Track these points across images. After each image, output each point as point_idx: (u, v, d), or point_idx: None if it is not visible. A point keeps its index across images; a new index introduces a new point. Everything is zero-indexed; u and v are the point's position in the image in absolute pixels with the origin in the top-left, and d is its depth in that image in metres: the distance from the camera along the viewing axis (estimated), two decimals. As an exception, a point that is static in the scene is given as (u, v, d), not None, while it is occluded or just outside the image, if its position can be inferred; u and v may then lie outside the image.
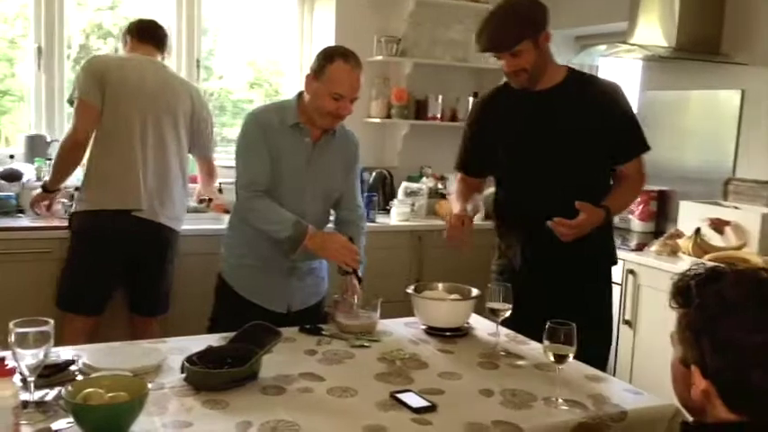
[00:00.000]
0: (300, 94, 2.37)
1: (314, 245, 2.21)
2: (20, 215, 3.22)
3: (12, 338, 1.42)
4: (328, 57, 2.29)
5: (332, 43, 3.73)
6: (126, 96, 2.84)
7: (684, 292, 1.14)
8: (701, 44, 3.48)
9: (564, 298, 2.25)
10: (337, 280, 2.29)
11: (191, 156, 3.14)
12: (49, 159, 3.44)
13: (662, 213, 3.83)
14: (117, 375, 1.50)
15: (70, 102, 2.94)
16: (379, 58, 4.03)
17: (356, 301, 2.19)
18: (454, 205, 2.45)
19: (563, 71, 2.36)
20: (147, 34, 3.02)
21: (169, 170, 2.91)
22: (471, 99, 4.30)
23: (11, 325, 1.43)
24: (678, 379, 1.16)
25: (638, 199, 3.80)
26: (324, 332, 2.11)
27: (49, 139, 3.58)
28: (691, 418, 1.22)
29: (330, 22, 4.12)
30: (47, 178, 3.09)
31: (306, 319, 2.32)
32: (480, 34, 2.26)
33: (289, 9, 4.30)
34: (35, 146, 3.52)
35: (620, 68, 4.44)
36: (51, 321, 1.46)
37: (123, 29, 3.15)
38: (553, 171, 2.30)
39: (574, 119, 2.28)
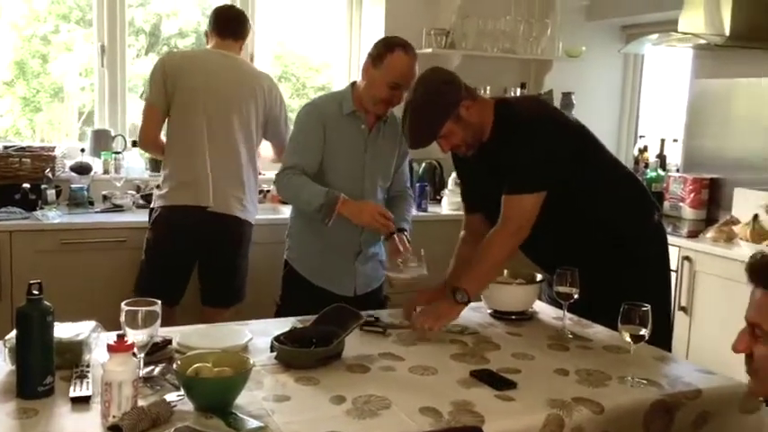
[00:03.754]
0: (353, 84, 2.48)
1: (347, 210, 2.30)
2: (91, 206, 3.35)
3: (123, 317, 1.52)
4: (389, 46, 2.37)
5: (381, 36, 3.80)
6: (194, 96, 2.91)
7: None
8: (755, 32, 3.46)
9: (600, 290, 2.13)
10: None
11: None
12: (116, 153, 3.57)
13: (713, 201, 3.83)
14: (221, 352, 1.59)
15: (141, 97, 3.05)
16: (429, 50, 4.08)
17: (406, 256, 2.26)
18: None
19: (491, 112, 2.19)
20: (224, 27, 3.03)
21: (240, 166, 2.96)
22: (519, 90, 4.35)
23: (122, 305, 1.53)
24: None
25: (690, 187, 3.82)
26: (386, 331, 2.05)
27: (113, 134, 3.71)
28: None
29: (380, 15, 4.18)
30: None
31: (370, 302, 2.46)
32: (403, 133, 2.19)
33: (338, 2, 4.37)
34: (101, 140, 3.65)
35: (667, 57, 4.45)
36: (159, 302, 1.56)
37: (207, 20, 3.15)
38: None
39: (506, 161, 2.15)
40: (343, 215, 2.31)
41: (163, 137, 3.02)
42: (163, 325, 2.82)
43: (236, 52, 3.06)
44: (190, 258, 2.98)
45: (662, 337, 2.07)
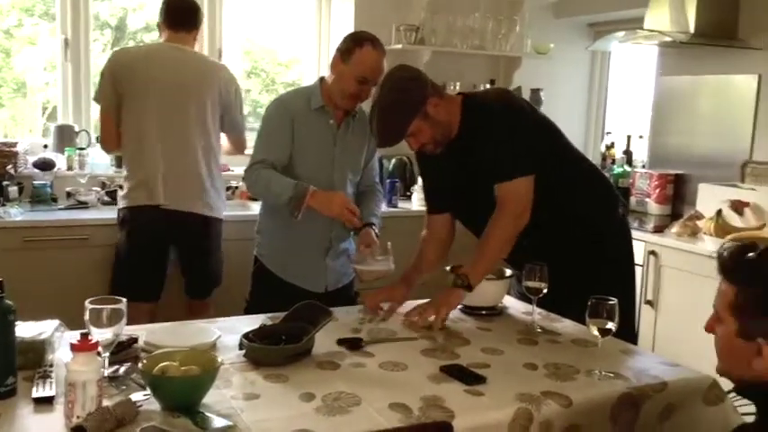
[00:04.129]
0: (322, 79, 2.48)
1: (316, 202, 2.30)
2: (54, 203, 3.28)
3: (87, 316, 1.49)
4: (357, 41, 2.37)
5: (351, 32, 3.78)
6: (145, 94, 2.87)
7: (742, 267, 1.19)
8: (719, 29, 3.53)
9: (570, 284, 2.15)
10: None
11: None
12: (81, 149, 3.51)
13: (678, 196, 3.90)
14: (188, 350, 1.57)
15: (96, 100, 3.00)
16: (398, 46, 4.08)
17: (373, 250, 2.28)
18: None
19: (458, 109, 2.19)
20: (176, 19, 2.97)
21: (196, 161, 2.92)
22: (488, 86, 4.37)
23: (86, 303, 1.50)
24: (733, 352, 1.21)
25: (655, 183, 3.88)
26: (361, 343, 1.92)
27: (77, 129, 3.64)
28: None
29: (349, 11, 4.17)
30: None
31: (341, 298, 2.47)
32: (372, 132, 2.18)
33: (307, -2, 4.35)
34: (64, 135, 3.58)
35: (633, 54, 4.50)
36: (124, 300, 1.53)
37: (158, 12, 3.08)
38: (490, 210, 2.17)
39: (480, 155, 2.18)
40: (313, 207, 2.30)
41: None
42: (145, 321, 2.84)
43: (190, 44, 3.01)
44: (158, 256, 2.95)
45: (628, 331, 2.11)
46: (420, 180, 3.96)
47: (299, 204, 2.29)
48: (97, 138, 3.60)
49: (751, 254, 1.19)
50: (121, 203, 2.95)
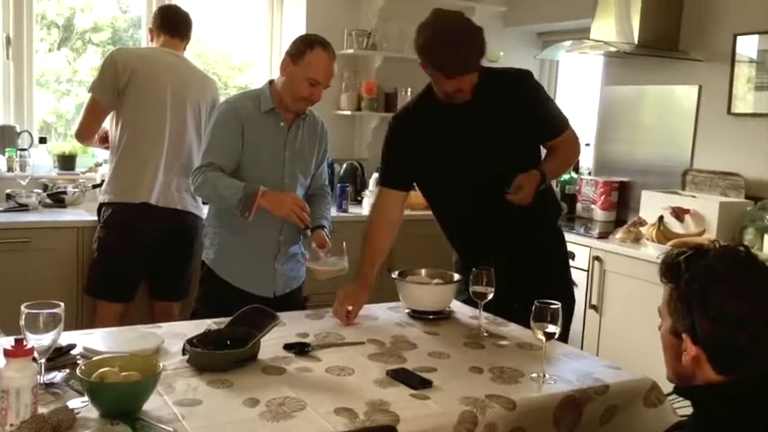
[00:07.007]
0: (271, 82, 2.47)
1: (267, 203, 2.28)
2: (-6, 206, 3.19)
3: (22, 321, 1.45)
4: (308, 43, 2.36)
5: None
6: (146, 95, 2.91)
7: (674, 268, 1.24)
8: (661, 41, 3.64)
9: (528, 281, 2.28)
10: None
11: None
12: (22, 149, 3.40)
13: (623, 203, 3.99)
14: (129, 356, 1.53)
15: (88, 90, 3.00)
16: (350, 51, 4.09)
17: (325, 249, 2.31)
18: (359, 271, 2.29)
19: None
20: (174, 27, 3.07)
21: (191, 162, 2.96)
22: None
23: (22, 307, 1.46)
24: (669, 349, 1.27)
25: (600, 190, 3.97)
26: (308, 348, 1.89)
27: (19, 130, 3.54)
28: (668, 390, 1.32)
29: (301, 15, 4.16)
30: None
31: (290, 303, 2.44)
32: (442, 58, 2.12)
33: (259, 1, 4.31)
34: (5, 136, 3.48)
35: (581, 64, 4.60)
36: (62, 304, 1.49)
37: (152, 17, 3.17)
38: (497, 174, 2.23)
39: (498, 118, 2.25)
40: (264, 207, 2.28)
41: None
42: (116, 322, 2.79)
43: (181, 52, 3.11)
44: (146, 254, 2.96)
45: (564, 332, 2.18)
46: (372, 184, 4.02)
47: (250, 205, 2.27)
48: (41, 138, 3.55)
49: (683, 255, 1.24)
50: (106, 198, 2.94)
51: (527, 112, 2.27)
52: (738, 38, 3.43)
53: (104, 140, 3.09)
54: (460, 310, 2.33)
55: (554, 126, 2.36)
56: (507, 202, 2.19)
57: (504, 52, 4.45)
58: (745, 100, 3.43)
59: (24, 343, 1.34)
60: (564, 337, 2.27)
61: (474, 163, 2.27)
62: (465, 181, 2.30)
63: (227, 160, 2.38)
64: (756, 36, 3.37)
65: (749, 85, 3.40)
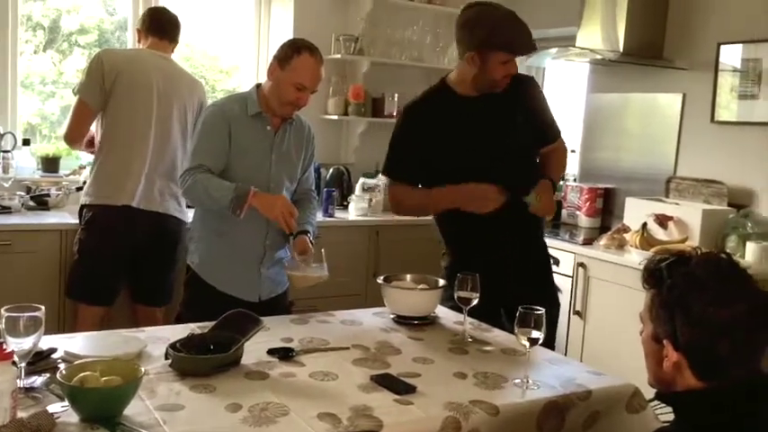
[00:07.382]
0: (258, 86, 2.46)
1: (258, 203, 2.28)
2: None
3: (2, 324, 1.43)
4: (295, 48, 2.36)
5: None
6: (132, 96, 2.90)
7: (655, 274, 1.25)
8: (646, 49, 3.67)
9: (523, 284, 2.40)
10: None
11: None
12: (5, 152, 3.38)
13: (607, 210, 4.01)
14: (110, 360, 1.52)
15: (75, 92, 2.98)
16: (337, 56, 4.09)
17: (306, 256, 2.31)
18: (452, 192, 2.38)
19: None
20: (163, 30, 3.06)
21: (175, 165, 2.96)
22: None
23: (2, 311, 1.44)
24: (650, 354, 1.28)
25: (585, 197, 4.00)
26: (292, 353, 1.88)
27: (2, 131, 3.50)
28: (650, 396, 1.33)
29: (288, 20, 4.15)
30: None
31: (275, 308, 2.43)
32: (515, 35, 2.26)
33: (246, 5, 4.31)
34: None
35: (566, 71, 4.63)
36: (42, 308, 1.48)
37: (140, 19, 3.15)
38: (505, 168, 2.36)
39: (509, 114, 2.40)
40: (255, 207, 2.28)
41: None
42: (96, 326, 2.79)
43: (169, 55, 3.10)
44: (127, 257, 2.94)
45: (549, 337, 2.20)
46: (358, 189, 4.03)
47: (242, 204, 2.26)
48: (24, 140, 3.52)
49: (665, 262, 1.25)
50: (89, 200, 2.92)
51: (534, 113, 2.42)
52: (722, 47, 3.47)
53: (91, 144, 3.07)
54: (445, 315, 2.34)
55: (552, 133, 2.53)
56: (521, 203, 2.33)
57: (490, 59, 4.46)
58: (728, 108, 3.46)
59: (4, 347, 1.32)
60: (550, 342, 2.29)
61: (486, 155, 2.36)
62: (477, 174, 2.34)
63: (216, 162, 2.37)
64: (740, 45, 3.40)
65: (732, 93, 3.44)
